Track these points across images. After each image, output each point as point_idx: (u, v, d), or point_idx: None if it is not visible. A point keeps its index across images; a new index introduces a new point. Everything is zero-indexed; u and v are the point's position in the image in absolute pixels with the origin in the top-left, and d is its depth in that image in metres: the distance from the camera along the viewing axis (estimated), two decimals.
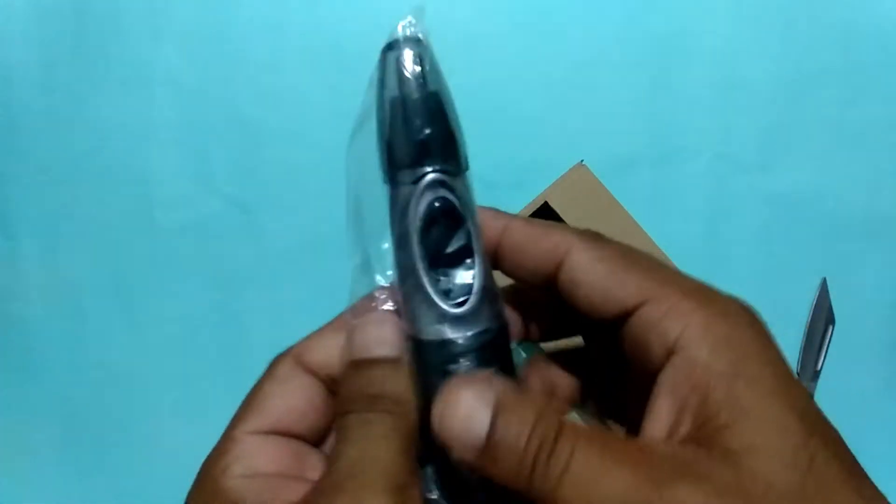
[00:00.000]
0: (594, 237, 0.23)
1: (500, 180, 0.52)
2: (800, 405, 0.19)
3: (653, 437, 0.20)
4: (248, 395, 0.24)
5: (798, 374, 0.52)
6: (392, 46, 0.22)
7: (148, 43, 0.53)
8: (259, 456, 0.22)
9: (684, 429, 0.20)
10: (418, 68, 0.22)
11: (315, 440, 0.24)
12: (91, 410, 0.55)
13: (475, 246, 0.23)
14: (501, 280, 0.24)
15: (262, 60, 0.53)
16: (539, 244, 0.24)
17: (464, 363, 0.22)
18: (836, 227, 0.53)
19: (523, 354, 0.28)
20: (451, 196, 0.22)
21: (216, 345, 0.54)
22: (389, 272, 0.24)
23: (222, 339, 0.54)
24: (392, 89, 0.22)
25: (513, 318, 0.26)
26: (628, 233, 0.45)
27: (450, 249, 0.23)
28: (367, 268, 0.24)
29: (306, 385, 0.24)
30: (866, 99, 0.52)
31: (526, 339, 0.27)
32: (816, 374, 0.52)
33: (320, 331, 0.25)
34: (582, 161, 0.48)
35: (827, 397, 0.52)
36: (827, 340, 0.52)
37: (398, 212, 0.23)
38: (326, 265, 0.53)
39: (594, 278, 0.22)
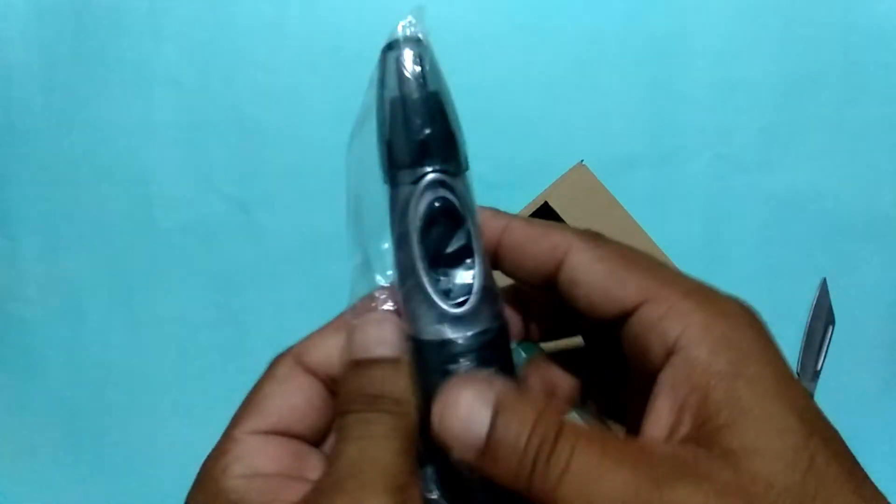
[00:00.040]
0: (594, 237, 0.23)
1: (500, 180, 0.52)
2: (800, 405, 0.19)
3: (653, 437, 0.20)
4: (248, 395, 0.24)
5: (798, 374, 0.52)
6: (392, 46, 0.22)
7: (148, 43, 0.53)
8: (259, 456, 0.22)
9: (684, 429, 0.20)
10: (418, 68, 0.22)
11: (315, 440, 0.24)
12: (91, 410, 0.55)
13: (475, 246, 0.23)
14: (501, 280, 0.24)
15: (262, 60, 0.53)
16: (539, 244, 0.24)
17: (464, 363, 0.22)
18: (836, 227, 0.53)
19: (523, 354, 0.28)
20: (451, 196, 0.22)
21: (216, 345, 0.54)
22: (389, 272, 0.24)
23: (222, 339, 0.54)
24: (392, 89, 0.22)
25: (513, 318, 0.26)
26: (628, 233, 0.45)
27: (450, 249, 0.23)
28: (366, 268, 0.24)
29: (306, 385, 0.24)
30: (866, 99, 0.52)
31: (526, 339, 0.27)
32: (816, 374, 0.52)
33: (320, 331, 0.25)
34: (582, 161, 0.48)
35: (827, 397, 0.52)
36: (827, 340, 0.52)
37: (398, 212, 0.23)
38: (326, 265, 0.53)
39: (594, 278, 0.22)
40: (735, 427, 0.19)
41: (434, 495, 0.23)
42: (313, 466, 0.23)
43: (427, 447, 0.22)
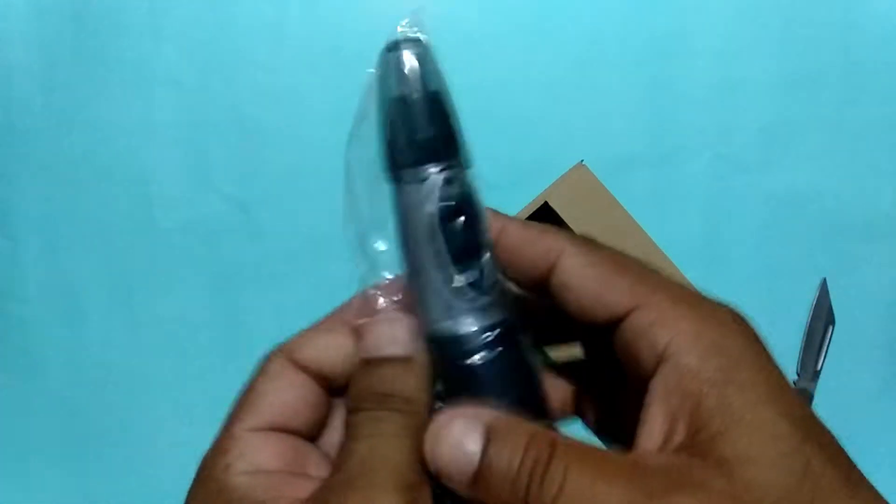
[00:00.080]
0: (586, 242, 0.23)
1: (500, 180, 0.52)
2: (793, 411, 0.19)
3: (647, 448, 0.20)
4: (241, 392, 0.24)
5: (798, 374, 0.52)
6: (392, 47, 0.22)
7: (148, 43, 0.53)
8: (261, 453, 0.22)
9: (678, 437, 0.20)
10: (418, 68, 0.22)
11: (311, 436, 0.24)
12: (91, 410, 0.55)
13: (483, 241, 0.23)
14: None
15: (262, 60, 0.53)
16: (533, 247, 0.24)
17: (479, 356, 0.22)
18: (836, 227, 0.53)
19: None
20: (456, 193, 0.22)
21: (216, 345, 0.54)
22: (388, 272, 0.24)
23: (222, 339, 0.54)
24: (392, 89, 0.22)
25: None
26: (628, 233, 0.45)
27: (458, 245, 0.23)
28: (366, 267, 0.24)
29: (298, 382, 0.24)
30: (866, 99, 0.52)
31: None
32: (816, 374, 0.52)
33: (311, 328, 0.25)
34: (582, 161, 0.47)
35: (827, 397, 0.52)
36: (827, 340, 0.52)
37: (403, 211, 0.23)
38: (326, 265, 0.52)
39: (584, 283, 0.22)
40: (728, 435, 0.19)
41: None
42: (313, 462, 0.23)
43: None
